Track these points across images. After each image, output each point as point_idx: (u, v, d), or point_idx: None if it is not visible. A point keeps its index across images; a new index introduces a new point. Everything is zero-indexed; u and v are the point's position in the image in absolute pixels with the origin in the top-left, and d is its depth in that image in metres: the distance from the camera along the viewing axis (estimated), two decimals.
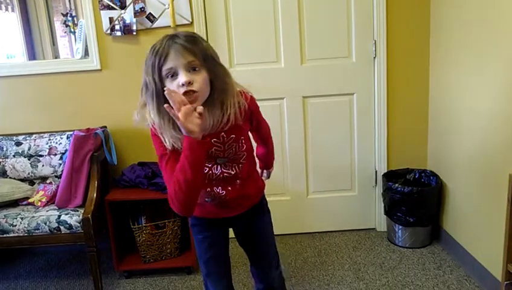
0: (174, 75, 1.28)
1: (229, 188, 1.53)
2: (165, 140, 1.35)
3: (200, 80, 1.29)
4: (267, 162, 1.90)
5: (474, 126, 2.41)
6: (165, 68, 1.28)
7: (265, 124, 1.73)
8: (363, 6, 2.85)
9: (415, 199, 2.74)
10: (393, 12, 2.84)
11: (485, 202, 2.35)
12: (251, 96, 1.53)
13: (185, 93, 1.26)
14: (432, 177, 2.89)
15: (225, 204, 1.57)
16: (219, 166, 1.49)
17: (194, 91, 1.28)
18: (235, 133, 1.46)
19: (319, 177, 3.11)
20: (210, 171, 1.49)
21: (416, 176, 2.97)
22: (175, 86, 1.28)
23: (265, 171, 1.93)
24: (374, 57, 2.91)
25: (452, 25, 2.59)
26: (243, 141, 1.50)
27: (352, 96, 2.98)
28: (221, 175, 1.50)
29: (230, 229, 1.73)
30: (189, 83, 1.27)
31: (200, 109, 1.24)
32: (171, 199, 1.36)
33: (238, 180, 1.54)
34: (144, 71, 1.33)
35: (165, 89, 1.24)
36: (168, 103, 1.24)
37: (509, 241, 1.92)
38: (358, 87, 2.97)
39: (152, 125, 1.37)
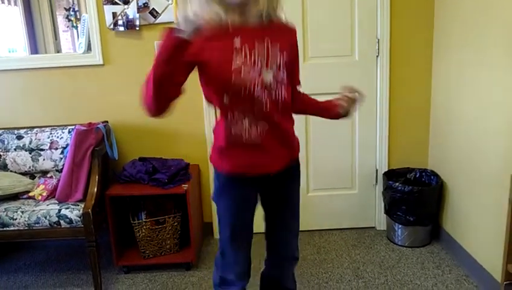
0: None
1: (273, 106, 1.44)
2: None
3: None
4: (323, 107, 1.69)
5: (476, 126, 2.40)
6: None
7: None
8: (366, 5, 2.85)
9: (415, 198, 2.74)
10: (396, 11, 2.84)
11: (486, 202, 2.35)
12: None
13: None
14: (432, 177, 2.89)
15: (264, 140, 1.45)
16: (270, 74, 1.41)
17: None
18: (279, 42, 1.42)
19: (320, 175, 3.11)
20: (261, 76, 1.39)
21: (417, 176, 2.97)
22: None
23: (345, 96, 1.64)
24: (377, 56, 2.91)
25: (456, 24, 2.59)
26: (285, 55, 1.43)
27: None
28: (271, 84, 1.41)
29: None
30: None
31: None
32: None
33: (280, 106, 1.45)
34: None
35: None
36: None
37: (509, 242, 1.91)
38: (360, 85, 2.91)
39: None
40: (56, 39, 3.64)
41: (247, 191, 1.58)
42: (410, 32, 2.88)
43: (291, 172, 1.63)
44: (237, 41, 1.36)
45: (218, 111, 1.48)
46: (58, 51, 3.60)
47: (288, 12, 2.80)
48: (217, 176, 1.60)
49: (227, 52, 1.36)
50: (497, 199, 2.19)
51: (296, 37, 1.53)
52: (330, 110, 1.67)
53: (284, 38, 1.45)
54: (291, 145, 1.60)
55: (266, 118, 1.44)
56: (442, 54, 2.79)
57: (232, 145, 1.48)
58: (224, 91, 1.40)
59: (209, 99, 1.50)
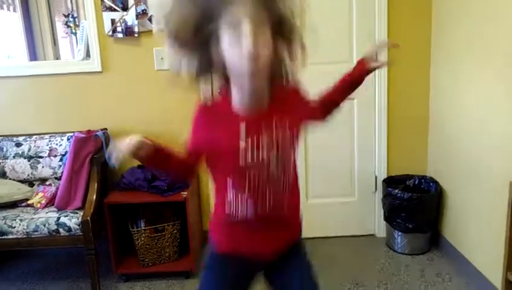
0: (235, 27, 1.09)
1: (278, 195, 1.29)
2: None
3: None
4: (348, 77, 1.54)
5: (475, 132, 2.40)
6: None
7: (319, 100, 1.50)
8: (364, 12, 2.86)
9: (414, 205, 2.74)
10: (394, 18, 2.84)
11: (485, 209, 2.34)
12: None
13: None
14: (431, 184, 2.89)
15: (262, 216, 1.29)
16: (278, 159, 1.25)
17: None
18: (288, 117, 1.26)
19: (319, 183, 3.10)
20: (269, 164, 1.24)
21: (416, 182, 2.97)
22: (234, 50, 1.10)
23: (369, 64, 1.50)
24: None
25: (454, 30, 2.59)
26: (295, 129, 1.28)
27: (352, 101, 2.98)
28: (278, 170, 1.25)
29: None
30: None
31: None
32: None
33: (286, 191, 1.31)
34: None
35: None
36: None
37: (509, 250, 1.92)
38: (358, 92, 2.96)
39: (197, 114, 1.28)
40: (55, 45, 3.64)
41: (242, 271, 1.40)
42: (408, 39, 2.88)
43: (294, 248, 1.44)
44: (243, 128, 1.21)
45: (220, 187, 1.33)
46: (57, 57, 3.60)
47: None
48: (211, 247, 1.43)
49: (233, 140, 1.22)
50: (497, 206, 2.19)
51: (302, 95, 1.38)
52: (357, 71, 1.53)
53: (292, 108, 1.29)
54: (295, 225, 1.44)
55: (270, 208, 1.29)
56: (440, 60, 2.79)
57: (230, 224, 1.33)
58: (227, 176, 1.27)
59: (211, 175, 1.37)
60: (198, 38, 1.13)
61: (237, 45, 1.08)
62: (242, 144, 1.21)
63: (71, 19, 3.60)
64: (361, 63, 1.52)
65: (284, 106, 1.27)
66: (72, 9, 3.58)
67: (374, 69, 1.50)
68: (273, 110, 1.24)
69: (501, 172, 2.16)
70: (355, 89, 1.55)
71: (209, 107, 1.28)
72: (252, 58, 1.06)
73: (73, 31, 3.58)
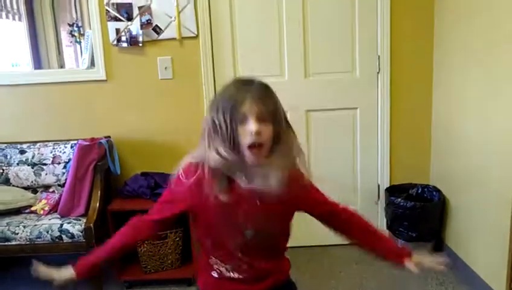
0: (243, 121, 1.22)
1: (252, 263, 1.39)
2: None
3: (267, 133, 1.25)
4: (387, 249, 1.47)
5: (478, 141, 2.41)
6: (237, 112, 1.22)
7: (340, 206, 1.51)
8: (367, 22, 2.88)
9: (417, 214, 2.74)
10: (397, 28, 2.87)
11: (488, 218, 2.34)
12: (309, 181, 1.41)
13: (252, 146, 1.22)
14: (434, 193, 2.89)
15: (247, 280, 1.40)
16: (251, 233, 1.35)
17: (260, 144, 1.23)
18: (273, 203, 1.30)
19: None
20: (242, 235, 1.34)
21: (419, 191, 2.97)
22: (244, 132, 1.21)
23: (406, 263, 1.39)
24: (378, 72, 2.93)
25: (456, 40, 2.61)
26: (278, 215, 1.38)
27: (355, 110, 2.99)
28: (252, 242, 1.36)
29: None
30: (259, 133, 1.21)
31: None
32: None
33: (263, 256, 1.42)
34: (212, 111, 1.25)
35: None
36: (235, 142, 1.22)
37: None
38: (361, 101, 2.99)
39: (182, 174, 1.34)
40: (59, 54, 3.67)
41: None
42: (411, 49, 2.90)
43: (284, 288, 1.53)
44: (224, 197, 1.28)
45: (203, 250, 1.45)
46: (62, 66, 3.62)
47: (290, 29, 2.85)
48: None
49: (211, 206, 1.29)
50: (500, 215, 2.18)
51: (309, 186, 1.48)
52: (396, 254, 1.45)
53: (283, 197, 1.31)
54: (278, 271, 1.52)
55: (254, 277, 1.41)
56: (443, 70, 2.81)
57: (216, 282, 1.44)
58: (205, 239, 1.40)
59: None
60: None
61: (244, 127, 1.22)
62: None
63: (76, 28, 3.63)
64: (406, 254, 1.41)
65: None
66: (77, 19, 3.61)
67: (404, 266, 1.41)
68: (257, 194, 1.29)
69: (504, 181, 2.16)
70: (376, 252, 1.51)
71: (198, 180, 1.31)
72: (255, 133, 1.21)
73: (78, 40, 3.61)
